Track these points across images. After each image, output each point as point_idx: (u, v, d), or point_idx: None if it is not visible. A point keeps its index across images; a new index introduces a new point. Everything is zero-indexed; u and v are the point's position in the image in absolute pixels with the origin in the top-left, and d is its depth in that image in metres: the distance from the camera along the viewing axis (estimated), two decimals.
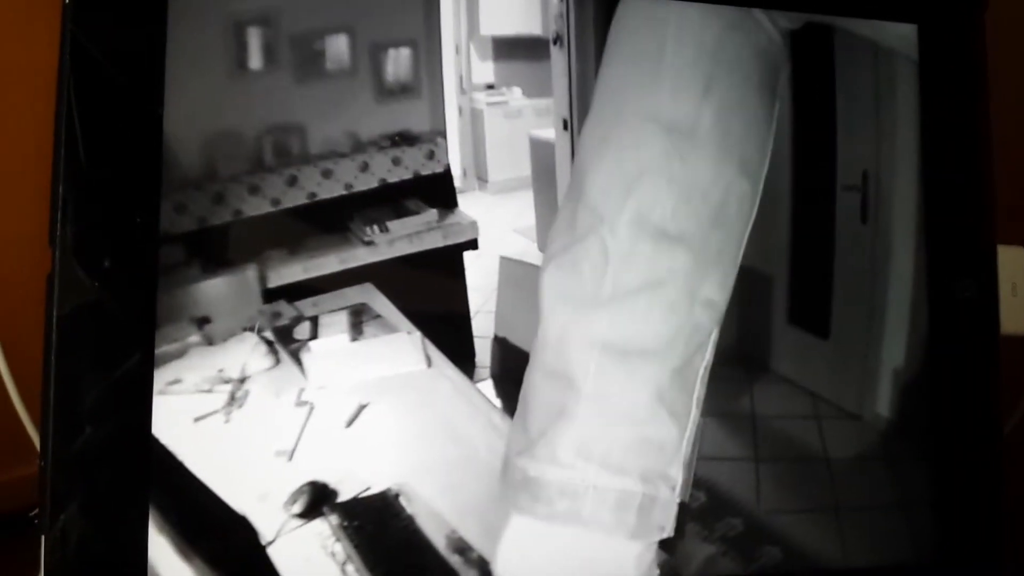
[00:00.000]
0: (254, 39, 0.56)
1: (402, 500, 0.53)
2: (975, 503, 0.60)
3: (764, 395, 0.64)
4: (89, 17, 0.44)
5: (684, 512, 0.55)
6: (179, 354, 0.51)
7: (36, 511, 0.42)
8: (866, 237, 0.64)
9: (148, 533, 0.45)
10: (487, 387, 0.62)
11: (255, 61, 0.56)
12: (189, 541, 0.47)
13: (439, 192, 0.64)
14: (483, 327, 0.62)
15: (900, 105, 0.62)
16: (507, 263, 0.64)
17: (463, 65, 0.68)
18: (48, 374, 0.43)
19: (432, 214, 0.63)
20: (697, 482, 0.55)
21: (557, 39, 0.66)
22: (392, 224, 0.61)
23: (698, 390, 0.55)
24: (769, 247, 0.64)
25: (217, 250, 0.54)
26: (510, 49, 0.70)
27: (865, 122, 0.63)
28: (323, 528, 0.52)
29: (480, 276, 0.63)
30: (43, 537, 0.42)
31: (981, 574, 0.60)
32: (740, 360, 0.66)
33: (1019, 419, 0.71)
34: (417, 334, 0.58)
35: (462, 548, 0.52)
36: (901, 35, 0.60)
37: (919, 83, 0.60)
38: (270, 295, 0.55)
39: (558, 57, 0.66)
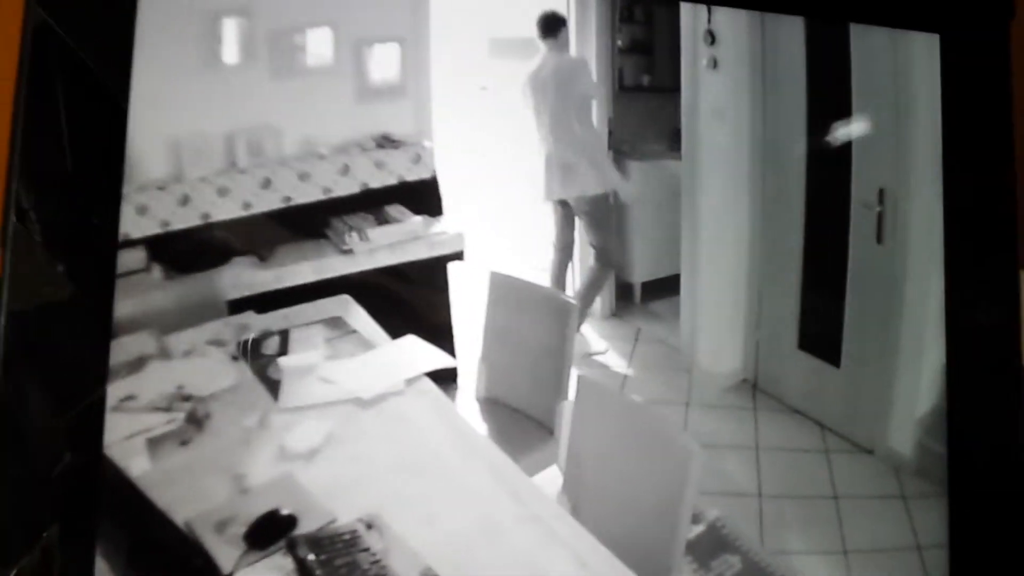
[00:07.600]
0: (230, 31, 0.53)
1: (373, 533, 0.49)
2: (995, 546, 0.56)
3: (770, 426, 0.61)
4: (54, 1, 0.41)
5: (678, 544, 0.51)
6: (135, 368, 0.48)
7: None
8: (882, 258, 0.62)
9: (94, 560, 0.42)
10: (471, 410, 0.59)
11: (230, 55, 0.53)
12: (138, 571, 0.44)
13: (424, 199, 0.62)
14: (468, 345, 0.59)
15: (921, 119, 0.59)
16: (498, 278, 0.61)
17: None
18: None
19: (416, 223, 0.61)
20: (696, 516, 0.52)
21: None
22: (373, 232, 0.59)
23: None
24: (779, 267, 0.62)
25: (181, 256, 0.51)
26: None
27: (883, 136, 0.60)
28: (285, 562, 0.48)
29: (467, 290, 0.60)
30: None
31: None
32: (745, 388, 0.63)
33: None
34: None
35: None
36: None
37: (942, 96, 0.57)
38: (237, 306, 0.53)
39: None
